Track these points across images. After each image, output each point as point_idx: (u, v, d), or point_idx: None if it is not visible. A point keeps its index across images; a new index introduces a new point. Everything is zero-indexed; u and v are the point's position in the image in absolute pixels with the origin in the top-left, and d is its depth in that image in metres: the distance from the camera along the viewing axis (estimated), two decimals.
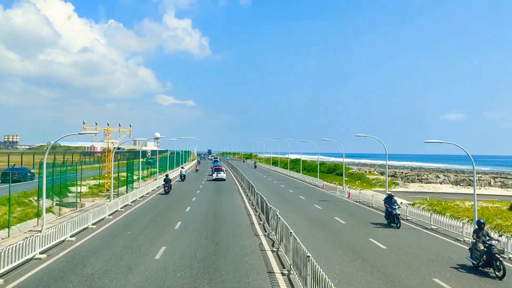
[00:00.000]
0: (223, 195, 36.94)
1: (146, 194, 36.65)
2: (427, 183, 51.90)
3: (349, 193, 37.16)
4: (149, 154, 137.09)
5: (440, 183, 52.05)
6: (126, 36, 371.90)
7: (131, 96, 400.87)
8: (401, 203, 28.92)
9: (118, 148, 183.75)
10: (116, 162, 57.17)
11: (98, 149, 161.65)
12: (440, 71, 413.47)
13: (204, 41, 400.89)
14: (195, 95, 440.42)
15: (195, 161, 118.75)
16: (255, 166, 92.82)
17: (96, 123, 36.69)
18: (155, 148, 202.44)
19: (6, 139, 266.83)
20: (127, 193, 34.00)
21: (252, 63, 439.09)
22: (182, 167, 63.39)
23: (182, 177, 53.80)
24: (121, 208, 27.20)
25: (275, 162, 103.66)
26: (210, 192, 39.54)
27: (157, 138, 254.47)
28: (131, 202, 30.31)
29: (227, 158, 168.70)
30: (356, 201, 33.65)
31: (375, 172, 61.54)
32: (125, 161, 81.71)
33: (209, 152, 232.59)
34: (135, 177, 49.89)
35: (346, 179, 56.24)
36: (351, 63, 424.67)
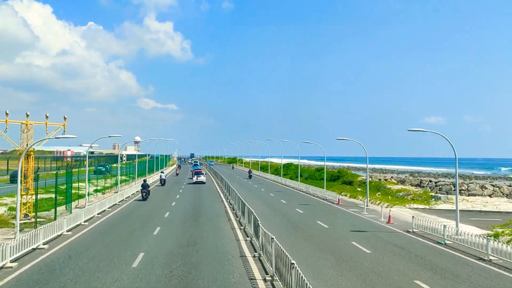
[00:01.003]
0: (205, 231, 24.16)
1: (86, 222, 23.55)
2: (469, 195, 40.10)
3: (390, 217, 24.77)
4: (124, 158, 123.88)
5: (489, 195, 40.35)
6: (107, 39, 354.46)
7: (112, 100, 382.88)
8: (473, 235, 16.99)
9: (92, 153, 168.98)
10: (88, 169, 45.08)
11: (69, 154, 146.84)
12: (419, 74, 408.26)
13: (186, 44, 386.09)
14: (177, 98, 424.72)
15: (175, 165, 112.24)
16: (250, 176, 66.02)
17: (7, 113, 23.59)
18: (135, 152, 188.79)
19: None
20: (55, 219, 21.36)
21: (234, 67, 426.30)
22: (162, 172, 59.46)
23: (162, 182, 51.66)
24: (12, 261, 14.29)
25: (263, 167, 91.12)
26: (185, 221, 26.84)
27: (137, 142, 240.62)
28: (45, 244, 17.29)
29: (212, 163, 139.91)
30: (408, 231, 21.37)
31: (393, 180, 49.55)
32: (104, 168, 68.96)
33: (192, 156, 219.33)
34: (88, 190, 36.93)
35: (358, 189, 44.14)
36: (333, 67, 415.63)
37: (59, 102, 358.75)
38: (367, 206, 31.38)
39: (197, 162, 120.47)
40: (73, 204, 31.49)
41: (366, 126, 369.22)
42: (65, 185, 31.43)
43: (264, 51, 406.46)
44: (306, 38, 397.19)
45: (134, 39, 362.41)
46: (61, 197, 33.24)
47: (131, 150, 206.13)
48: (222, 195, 38.72)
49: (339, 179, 54.47)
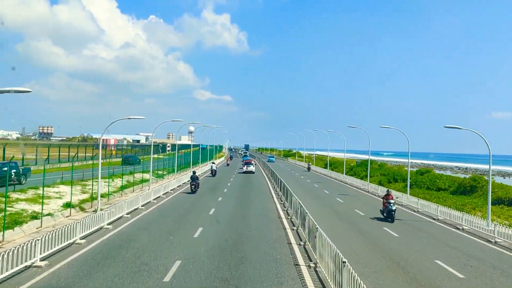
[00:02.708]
0: None
1: None
2: None
3: None
4: (168, 148, 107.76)
5: None
6: (166, 32, 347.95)
7: (170, 91, 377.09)
8: None
9: (137, 141, 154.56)
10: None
11: (112, 142, 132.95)
12: (487, 67, 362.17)
13: (242, 36, 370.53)
14: (233, 90, 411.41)
15: (224, 157, 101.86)
16: (390, 216, 21.31)
17: None
18: (189, 142, 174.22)
19: (41, 130, 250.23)
20: None
21: (290, 58, 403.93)
22: (213, 162, 55.72)
23: (213, 172, 48.35)
24: None
25: (332, 164, 69.33)
26: None
27: (191, 132, 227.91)
28: None
29: (273, 158, 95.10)
30: None
31: None
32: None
33: (247, 147, 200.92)
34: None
35: None
36: (391, 57, 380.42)
37: (121, 94, 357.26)
38: None
39: (247, 153, 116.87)
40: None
41: (428, 121, 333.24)
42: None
43: (320, 41, 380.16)
44: (364, 27, 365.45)
45: (192, 31, 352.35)
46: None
47: (185, 140, 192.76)
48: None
49: (475, 191, 32.03)
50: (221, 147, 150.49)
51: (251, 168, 55.13)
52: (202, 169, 54.14)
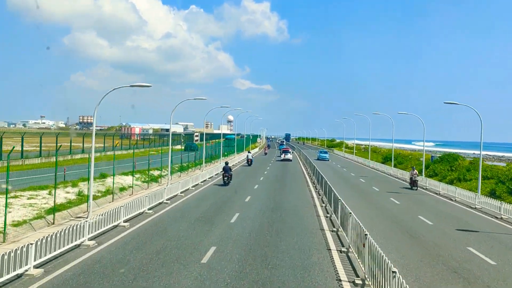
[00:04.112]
0: None
1: None
2: None
3: None
4: (197, 138, 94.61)
5: None
6: (206, 21, 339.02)
7: (210, 81, 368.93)
8: None
9: (166, 130, 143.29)
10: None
11: (137, 131, 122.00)
12: None
13: (282, 24, 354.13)
14: (273, 79, 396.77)
15: (258, 148, 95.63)
16: None
17: None
18: (228, 132, 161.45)
19: (81, 120, 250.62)
20: None
21: (331, 47, 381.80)
22: (249, 152, 52.98)
23: (249, 162, 46.78)
24: None
25: (396, 158, 52.70)
26: None
27: (230, 121, 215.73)
28: None
29: (326, 155, 63.32)
30: None
31: None
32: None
33: (287, 136, 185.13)
34: None
35: None
36: (445, 47, 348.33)
37: (162, 83, 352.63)
38: None
39: (283, 142, 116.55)
40: None
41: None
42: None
43: (362, 28, 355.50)
44: (411, 16, 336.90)
45: (232, 20, 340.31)
46: None
47: (225, 129, 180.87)
48: None
49: None
50: (255, 137, 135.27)
51: (289, 156, 56.56)
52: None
